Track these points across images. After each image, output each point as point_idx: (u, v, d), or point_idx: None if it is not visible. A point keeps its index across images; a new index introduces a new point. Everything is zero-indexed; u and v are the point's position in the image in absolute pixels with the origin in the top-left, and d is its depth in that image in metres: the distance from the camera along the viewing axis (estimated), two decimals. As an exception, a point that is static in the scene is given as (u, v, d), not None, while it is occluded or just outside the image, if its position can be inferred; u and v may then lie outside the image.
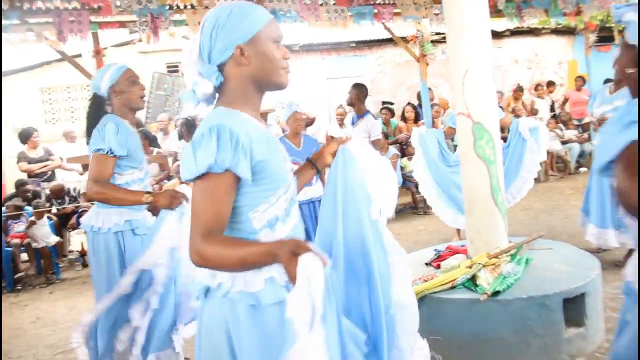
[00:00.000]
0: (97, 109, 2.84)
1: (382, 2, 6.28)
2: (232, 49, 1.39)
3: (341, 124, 6.32)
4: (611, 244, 4.25)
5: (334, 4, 5.56)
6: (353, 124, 5.30)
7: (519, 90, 10.00)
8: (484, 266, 3.10)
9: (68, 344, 4.04)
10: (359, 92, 5.11)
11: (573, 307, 2.88)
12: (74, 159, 6.78)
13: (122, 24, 5.67)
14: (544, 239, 3.74)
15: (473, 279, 3.03)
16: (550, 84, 10.70)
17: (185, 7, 5.47)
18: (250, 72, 1.42)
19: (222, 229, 1.34)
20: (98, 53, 5.77)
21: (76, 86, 10.74)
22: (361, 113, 5.10)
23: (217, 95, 1.46)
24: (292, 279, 1.16)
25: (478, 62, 3.18)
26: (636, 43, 1.54)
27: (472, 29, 3.14)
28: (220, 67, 1.42)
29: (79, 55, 9.84)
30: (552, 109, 10.64)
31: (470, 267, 3.12)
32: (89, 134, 2.82)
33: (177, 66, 13.15)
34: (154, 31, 5.28)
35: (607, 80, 7.85)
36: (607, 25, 11.15)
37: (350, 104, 5.19)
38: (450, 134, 4.95)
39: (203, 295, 1.44)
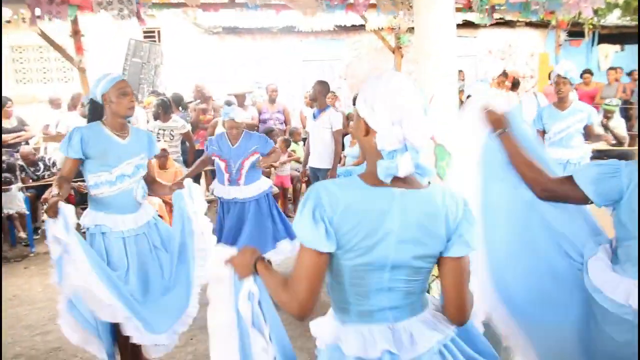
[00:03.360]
0: (93, 113, 3.12)
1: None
2: None
3: (310, 105, 7.05)
4: None
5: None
6: (315, 117, 5.64)
7: (503, 75, 9.77)
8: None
9: (44, 325, 4.25)
10: (322, 88, 5.56)
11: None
12: (49, 138, 6.80)
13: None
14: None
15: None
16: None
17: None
18: None
19: None
20: (76, 33, 5.77)
21: (49, 47, 10.55)
22: (323, 107, 5.55)
23: None
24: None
25: (444, 90, 3.41)
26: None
27: (439, 60, 3.36)
28: None
29: (55, 29, 9.59)
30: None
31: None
32: None
33: (153, 32, 12.92)
34: (138, 17, 5.35)
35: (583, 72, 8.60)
36: (579, 21, 11.48)
37: (314, 98, 5.68)
38: None
39: None
